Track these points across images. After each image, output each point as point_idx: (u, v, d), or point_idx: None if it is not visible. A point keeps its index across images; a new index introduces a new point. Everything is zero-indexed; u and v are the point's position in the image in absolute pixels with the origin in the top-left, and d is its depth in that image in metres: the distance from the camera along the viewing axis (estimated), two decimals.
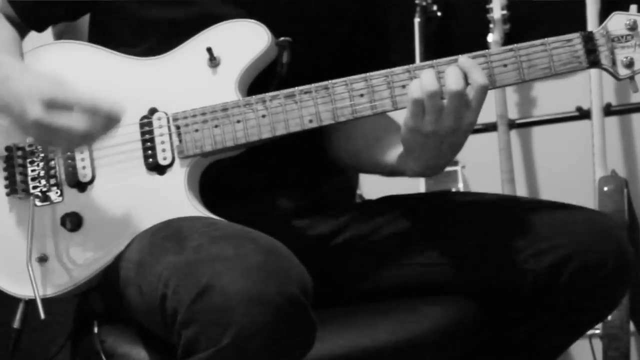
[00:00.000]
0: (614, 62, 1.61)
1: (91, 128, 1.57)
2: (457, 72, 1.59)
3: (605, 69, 1.61)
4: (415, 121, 1.60)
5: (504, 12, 2.83)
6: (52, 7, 1.84)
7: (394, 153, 1.73)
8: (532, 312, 1.73)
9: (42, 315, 1.64)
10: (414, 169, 1.69)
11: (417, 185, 2.83)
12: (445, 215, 1.79)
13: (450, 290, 1.76)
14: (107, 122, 1.59)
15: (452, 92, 1.58)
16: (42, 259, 1.70)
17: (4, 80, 1.65)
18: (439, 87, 1.58)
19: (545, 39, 1.62)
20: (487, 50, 1.62)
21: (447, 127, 1.60)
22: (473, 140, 3.03)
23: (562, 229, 1.69)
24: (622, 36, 1.60)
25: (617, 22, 1.61)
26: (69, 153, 1.71)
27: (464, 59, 1.61)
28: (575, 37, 1.62)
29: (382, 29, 1.91)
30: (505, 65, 1.62)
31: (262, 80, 1.72)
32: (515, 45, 1.62)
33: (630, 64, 1.60)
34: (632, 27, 1.60)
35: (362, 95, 1.65)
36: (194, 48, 1.72)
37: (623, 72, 1.60)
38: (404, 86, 1.64)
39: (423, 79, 1.59)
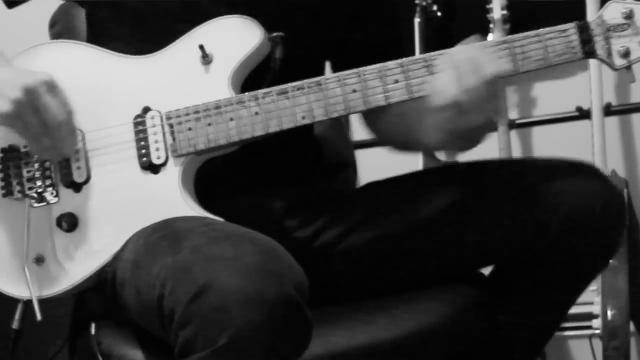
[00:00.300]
0: (609, 52, 1.60)
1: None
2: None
3: (601, 59, 1.60)
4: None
5: (504, 12, 2.83)
6: None
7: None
8: (530, 270, 1.73)
9: (39, 317, 1.64)
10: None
11: None
12: (431, 192, 1.78)
13: (446, 270, 1.77)
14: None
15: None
16: (39, 260, 1.69)
17: None
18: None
19: (540, 29, 1.61)
20: (481, 43, 1.62)
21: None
22: None
23: (544, 184, 1.69)
24: (618, 25, 1.59)
25: (613, 10, 1.60)
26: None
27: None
28: (570, 27, 1.61)
29: (390, 15, 1.91)
30: (500, 58, 1.61)
31: (255, 76, 1.71)
32: (510, 36, 1.61)
33: (626, 54, 1.59)
34: (629, 16, 1.59)
35: (354, 91, 1.64)
36: (186, 46, 1.71)
37: (619, 62, 1.59)
38: (396, 80, 1.63)
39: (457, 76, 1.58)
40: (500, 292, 1.78)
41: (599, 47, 1.60)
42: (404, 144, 1.87)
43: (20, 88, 1.60)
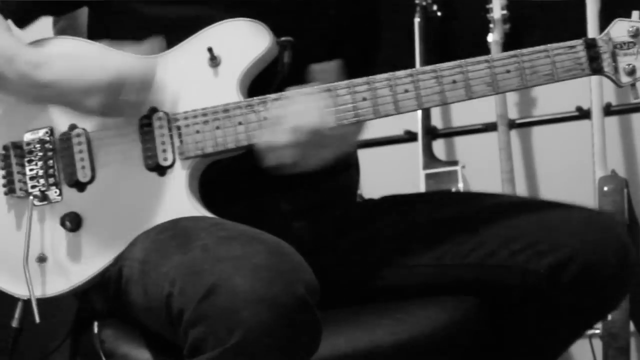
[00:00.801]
0: (616, 70, 1.61)
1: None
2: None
3: (608, 76, 1.61)
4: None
5: (504, 12, 2.83)
6: (37, 5, 1.82)
7: None
8: (533, 311, 1.73)
9: (37, 319, 1.64)
10: None
11: (418, 185, 2.84)
12: (446, 216, 1.79)
13: (451, 291, 1.76)
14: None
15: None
16: (42, 259, 1.69)
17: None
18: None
19: (548, 45, 1.62)
20: (490, 56, 1.62)
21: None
22: (473, 140, 3.07)
23: (563, 229, 1.69)
24: (624, 43, 1.60)
25: (620, 29, 1.61)
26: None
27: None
28: (578, 44, 1.61)
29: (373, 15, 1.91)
30: (508, 71, 1.62)
31: (262, 79, 1.71)
32: (519, 51, 1.62)
33: (632, 72, 1.60)
34: (635, 34, 1.60)
35: (364, 99, 1.65)
36: (194, 47, 1.71)
37: (625, 79, 1.60)
38: (406, 90, 1.64)
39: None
40: (499, 317, 1.77)
41: (606, 65, 1.61)
42: None
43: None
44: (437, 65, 1.63)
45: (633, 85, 1.60)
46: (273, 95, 1.66)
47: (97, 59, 1.66)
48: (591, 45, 1.61)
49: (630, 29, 1.60)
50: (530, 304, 1.72)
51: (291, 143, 1.60)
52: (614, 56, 1.60)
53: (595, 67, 1.61)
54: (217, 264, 1.46)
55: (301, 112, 1.62)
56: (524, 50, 1.61)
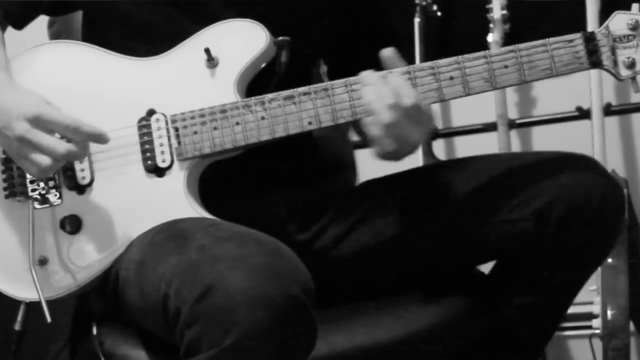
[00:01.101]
0: (615, 63, 1.60)
1: (71, 149, 1.60)
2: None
3: (607, 70, 1.61)
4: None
5: (504, 12, 2.83)
6: (35, 6, 1.83)
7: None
8: (530, 263, 1.73)
9: (49, 319, 1.64)
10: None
11: None
12: (429, 190, 1.79)
13: (446, 268, 1.77)
14: (87, 143, 1.62)
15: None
16: (42, 262, 1.69)
17: None
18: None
19: (547, 39, 1.61)
20: (487, 51, 1.62)
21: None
22: (473, 140, 3.06)
23: (544, 177, 1.69)
24: (624, 36, 1.59)
25: (619, 21, 1.60)
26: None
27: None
28: (577, 38, 1.61)
29: (380, 14, 1.91)
30: (506, 67, 1.61)
31: (260, 79, 1.71)
32: (516, 45, 1.61)
33: (632, 65, 1.59)
34: (634, 27, 1.59)
35: (361, 97, 1.64)
36: (191, 48, 1.71)
37: (625, 72, 1.60)
38: None
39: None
40: (501, 287, 1.78)
41: (605, 58, 1.60)
42: None
43: (24, 119, 1.61)
44: (435, 61, 1.62)
45: (633, 78, 1.59)
46: (270, 95, 1.66)
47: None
48: (590, 38, 1.61)
49: (630, 22, 1.59)
50: (523, 257, 1.72)
51: (394, 120, 1.59)
52: (613, 49, 1.60)
53: (594, 60, 1.61)
54: (213, 264, 1.46)
55: (397, 90, 1.60)
56: (522, 45, 1.61)
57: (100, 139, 1.61)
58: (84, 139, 1.61)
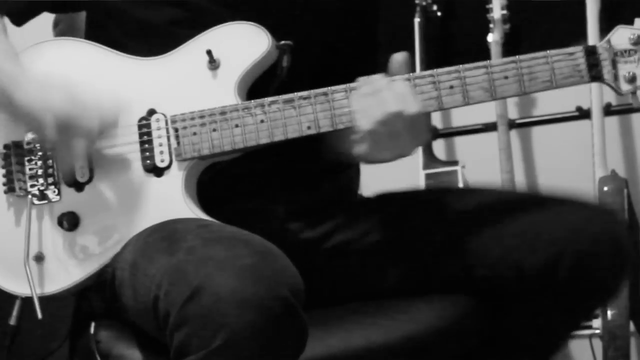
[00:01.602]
0: (616, 77, 1.59)
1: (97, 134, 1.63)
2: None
3: (607, 84, 1.60)
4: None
5: (504, 12, 2.83)
6: (38, 5, 1.83)
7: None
8: (530, 307, 1.73)
9: (40, 315, 1.64)
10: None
11: (418, 184, 2.83)
12: (440, 214, 1.78)
13: (446, 289, 1.76)
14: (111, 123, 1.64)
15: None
16: (39, 258, 1.69)
17: (9, 90, 1.65)
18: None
19: (548, 51, 1.60)
20: (488, 61, 1.61)
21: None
22: (473, 140, 3.06)
23: (557, 225, 1.69)
24: (625, 51, 1.59)
25: (621, 36, 1.59)
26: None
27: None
28: (578, 51, 1.60)
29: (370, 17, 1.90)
30: (506, 77, 1.61)
31: (261, 83, 1.71)
32: (518, 57, 1.61)
33: (632, 79, 1.59)
34: (636, 42, 1.59)
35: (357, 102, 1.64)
36: (193, 50, 1.71)
37: (625, 87, 1.59)
38: None
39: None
40: (497, 313, 1.77)
41: (606, 72, 1.59)
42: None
43: (53, 125, 1.62)
44: (435, 70, 1.62)
45: (634, 93, 1.59)
46: (270, 99, 1.66)
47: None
48: (591, 52, 1.60)
49: (632, 37, 1.59)
50: (526, 300, 1.72)
51: (397, 129, 1.60)
52: (614, 64, 1.59)
53: (594, 74, 1.60)
54: (201, 266, 1.46)
55: (403, 97, 1.61)
56: (523, 57, 1.60)
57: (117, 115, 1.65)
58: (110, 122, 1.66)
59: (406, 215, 1.80)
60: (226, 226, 1.60)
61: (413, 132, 1.62)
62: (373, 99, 1.61)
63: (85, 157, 1.67)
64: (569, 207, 1.72)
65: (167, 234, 1.59)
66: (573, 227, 1.68)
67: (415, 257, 1.77)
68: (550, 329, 1.75)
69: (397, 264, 1.78)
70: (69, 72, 1.72)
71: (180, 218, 1.65)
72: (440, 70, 1.62)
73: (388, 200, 1.85)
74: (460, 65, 1.62)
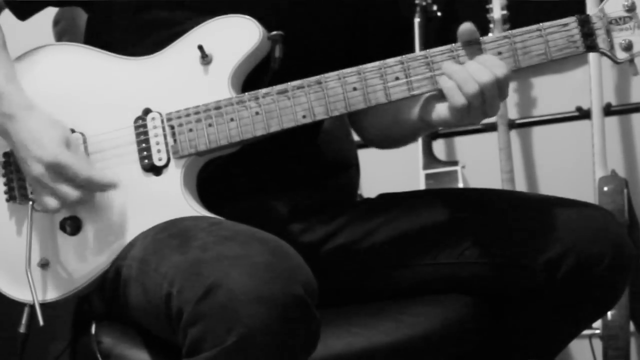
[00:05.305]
0: (611, 46, 1.58)
1: (81, 196, 1.64)
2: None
3: (603, 53, 1.59)
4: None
5: (504, 12, 2.83)
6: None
7: (416, 110, 1.72)
8: (531, 308, 1.73)
9: (41, 322, 1.64)
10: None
11: (417, 185, 2.84)
12: (442, 215, 1.78)
13: (448, 289, 1.76)
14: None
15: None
16: (44, 264, 1.69)
17: (8, 117, 1.67)
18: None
19: (541, 24, 1.60)
20: (481, 38, 1.61)
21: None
22: (473, 140, 3.06)
23: (559, 225, 1.68)
24: (619, 18, 1.57)
25: (615, 3, 1.58)
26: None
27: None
28: (572, 22, 1.60)
29: (392, 17, 1.91)
30: (500, 53, 1.60)
31: (255, 75, 1.71)
32: (510, 31, 1.60)
33: (628, 47, 1.57)
34: (630, 9, 1.57)
35: (355, 89, 1.64)
36: (185, 46, 1.71)
37: (621, 55, 1.58)
38: (397, 78, 1.63)
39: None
40: (498, 313, 1.77)
41: (601, 41, 1.58)
42: (388, 134, 1.86)
43: (41, 163, 1.64)
44: (428, 50, 1.62)
45: (631, 61, 1.57)
46: (264, 90, 1.65)
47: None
48: (585, 21, 1.59)
49: (626, 3, 1.57)
50: (527, 301, 1.72)
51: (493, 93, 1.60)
52: (608, 32, 1.58)
53: (589, 44, 1.59)
54: (215, 263, 1.46)
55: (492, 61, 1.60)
56: (516, 31, 1.60)
57: (110, 188, 1.65)
58: (95, 190, 1.65)
59: (408, 217, 1.79)
60: (237, 224, 1.59)
61: (503, 94, 1.61)
62: (461, 75, 1.60)
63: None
64: (572, 210, 1.71)
65: (177, 231, 1.58)
66: (576, 229, 1.68)
67: (417, 258, 1.76)
68: (552, 329, 1.75)
69: (399, 265, 1.78)
70: (64, 76, 1.73)
71: (186, 216, 1.64)
72: (433, 50, 1.64)
73: (390, 202, 1.84)
74: (453, 44, 1.62)
